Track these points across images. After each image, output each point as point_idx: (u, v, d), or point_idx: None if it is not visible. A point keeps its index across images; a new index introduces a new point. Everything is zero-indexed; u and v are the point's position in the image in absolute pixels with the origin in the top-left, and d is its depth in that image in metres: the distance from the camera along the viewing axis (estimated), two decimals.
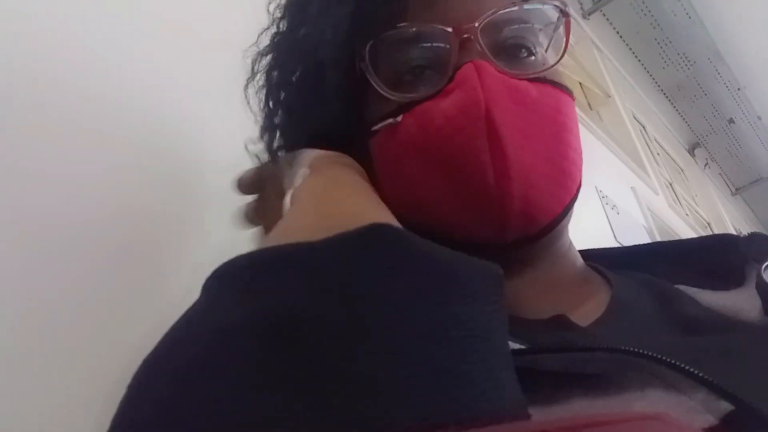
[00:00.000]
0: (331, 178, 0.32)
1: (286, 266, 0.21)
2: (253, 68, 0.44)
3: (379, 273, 0.20)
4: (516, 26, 0.38)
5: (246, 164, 0.47)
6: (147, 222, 0.52)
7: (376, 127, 0.38)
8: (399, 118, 0.37)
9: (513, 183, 0.33)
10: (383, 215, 0.27)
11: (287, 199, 0.33)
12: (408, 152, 0.36)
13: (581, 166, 0.38)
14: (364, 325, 0.18)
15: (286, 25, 0.43)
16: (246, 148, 0.46)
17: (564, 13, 0.39)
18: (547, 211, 0.35)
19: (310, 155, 0.36)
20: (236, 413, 0.15)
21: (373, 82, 0.38)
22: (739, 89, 3.61)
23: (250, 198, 0.46)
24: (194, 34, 0.66)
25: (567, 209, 0.37)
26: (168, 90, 0.60)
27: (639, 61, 3.36)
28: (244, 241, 0.50)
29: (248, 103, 0.45)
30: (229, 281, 0.22)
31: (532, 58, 0.38)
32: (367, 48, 0.37)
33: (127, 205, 0.51)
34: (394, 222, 0.25)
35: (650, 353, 0.24)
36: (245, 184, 0.44)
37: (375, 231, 0.22)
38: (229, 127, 0.61)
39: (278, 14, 0.44)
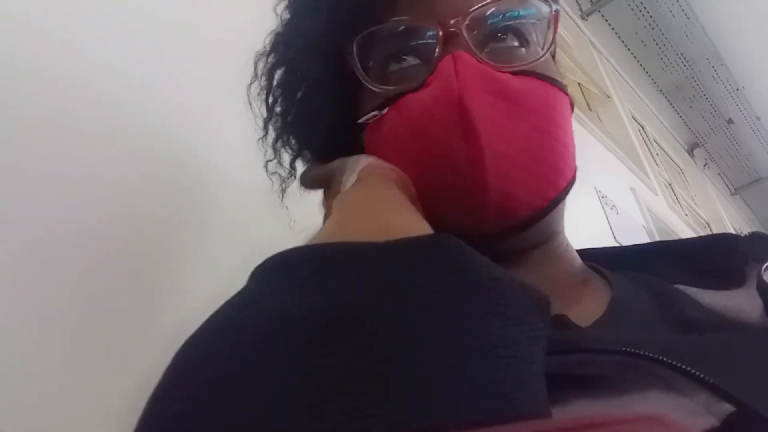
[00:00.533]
0: (373, 190, 0.32)
1: (349, 263, 0.21)
2: (255, 68, 0.45)
3: (438, 283, 0.20)
4: (504, 19, 0.38)
5: (250, 171, 0.47)
6: (150, 227, 0.52)
7: (361, 120, 0.39)
8: (384, 111, 0.37)
9: (488, 173, 0.33)
10: (428, 230, 0.27)
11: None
12: (390, 143, 0.37)
13: (572, 161, 0.38)
14: (418, 331, 0.19)
15: (286, 24, 0.43)
16: (266, 168, 0.46)
17: (552, 7, 0.39)
18: (527, 204, 0.35)
19: (361, 163, 0.36)
20: (281, 406, 0.16)
21: (359, 76, 0.38)
22: (737, 90, 3.62)
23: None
24: (200, 39, 0.66)
25: (553, 204, 0.37)
26: (173, 95, 0.60)
27: (638, 61, 3.36)
28: (248, 246, 0.50)
29: (250, 104, 0.45)
30: (288, 272, 0.22)
31: (523, 50, 0.38)
32: (355, 43, 0.38)
33: (130, 210, 0.51)
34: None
35: (652, 354, 0.24)
36: (310, 179, 0.43)
37: (438, 241, 0.22)
38: (234, 134, 0.61)
39: (286, 15, 0.44)
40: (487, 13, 0.37)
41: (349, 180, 0.35)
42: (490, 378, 0.18)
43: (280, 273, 0.22)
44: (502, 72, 0.35)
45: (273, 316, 0.19)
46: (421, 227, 0.28)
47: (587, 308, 0.36)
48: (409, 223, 0.28)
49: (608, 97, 2.61)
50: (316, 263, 0.22)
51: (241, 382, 0.17)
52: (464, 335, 0.19)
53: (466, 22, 0.36)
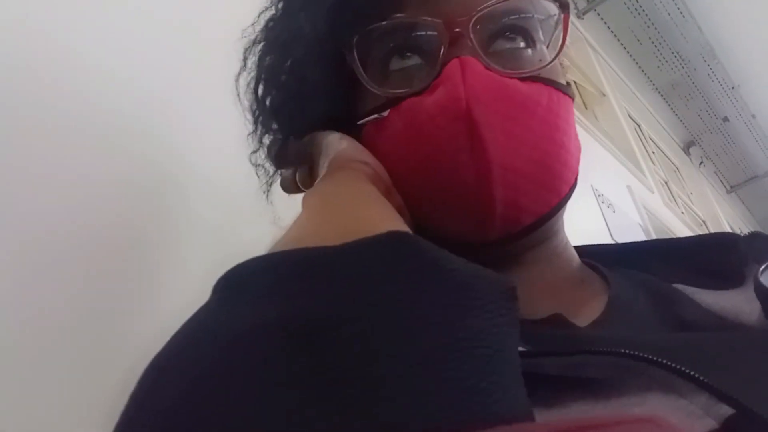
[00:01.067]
0: (341, 187, 0.32)
1: (307, 270, 0.21)
2: (245, 55, 0.43)
3: (397, 281, 0.20)
4: (511, 19, 0.37)
5: (227, 175, 0.46)
6: (134, 229, 0.51)
7: (361, 122, 0.38)
8: (385, 113, 0.36)
9: (494, 184, 0.33)
10: (396, 224, 0.27)
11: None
12: (393, 148, 0.36)
13: (576, 167, 0.38)
14: (383, 332, 0.18)
15: (280, 10, 0.42)
16: (250, 160, 0.45)
17: (563, 7, 0.38)
18: (531, 212, 0.35)
19: (332, 148, 0.35)
20: (259, 413, 0.16)
21: (359, 76, 0.37)
22: (733, 88, 3.63)
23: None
24: (182, 42, 0.65)
25: (555, 210, 0.37)
26: (163, 97, 0.59)
27: (633, 60, 3.37)
28: (229, 247, 0.50)
29: (238, 93, 0.44)
30: (248, 283, 0.21)
31: (529, 51, 0.37)
32: (355, 39, 0.36)
33: (119, 211, 0.50)
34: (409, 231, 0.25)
35: (651, 356, 0.24)
36: (285, 158, 0.42)
37: (394, 238, 0.22)
38: (212, 139, 0.60)
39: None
40: (495, 13, 0.36)
41: (322, 170, 0.34)
42: (459, 373, 0.18)
43: (243, 285, 0.21)
44: (511, 78, 0.35)
45: (239, 330, 0.18)
46: (389, 223, 0.27)
47: (585, 308, 0.36)
48: (375, 219, 0.27)
49: (604, 95, 2.62)
50: (275, 273, 0.21)
51: (216, 394, 0.16)
52: (429, 331, 0.19)
53: (472, 23, 0.35)
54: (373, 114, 0.37)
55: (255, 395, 0.16)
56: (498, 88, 0.34)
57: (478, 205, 0.33)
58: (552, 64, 0.37)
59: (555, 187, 0.36)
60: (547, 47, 0.39)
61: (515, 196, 0.34)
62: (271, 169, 0.45)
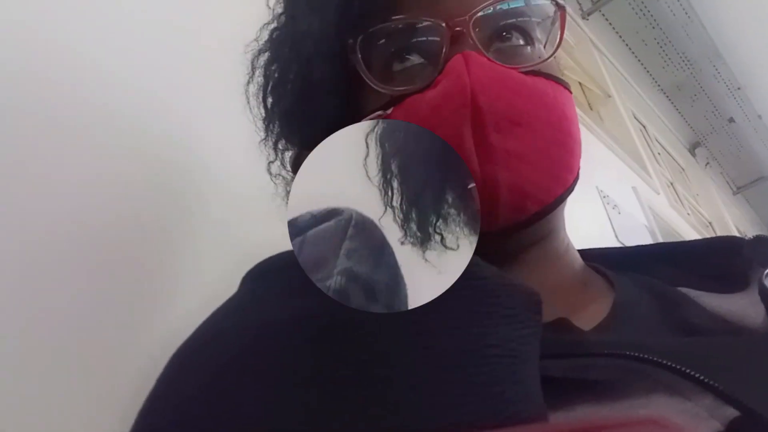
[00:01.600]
0: None
1: None
2: (252, 65, 0.44)
3: None
4: (510, 18, 0.37)
5: (242, 174, 0.46)
6: (143, 230, 0.52)
7: (365, 120, 0.38)
8: (389, 111, 0.37)
9: (499, 171, 0.33)
10: None
11: None
12: None
13: (579, 155, 0.38)
14: (410, 333, 0.19)
15: (283, 19, 0.43)
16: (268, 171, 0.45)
17: (559, 6, 0.39)
18: (537, 200, 0.35)
19: None
20: (269, 411, 0.16)
21: (363, 76, 0.37)
22: (739, 88, 3.61)
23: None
24: (195, 41, 0.66)
25: (560, 199, 0.37)
26: (168, 97, 0.59)
27: (639, 61, 3.36)
28: (240, 249, 0.50)
29: (248, 102, 0.44)
30: (274, 279, 0.22)
31: (528, 49, 0.38)
32: (358, 41, 0.37)
33: (125, 213, 0.51)
34: None
35: (656, 359, 0.24)
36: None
37: None
38: (227, 140, 0.60)
39: (279, 9, 0.43)
40: (493, 12, 0.36)
41: None
42: (485, 378, 0.18)
43: (269, 280, 0.22)
44: (514, 71, 0.35)
45: (264, 322, 0.19)
46: None
47: (589, 311, 0.36)
48: None
49: (609, 96, 2.61)
50: (298, 269, 0.21)
51: (235, 388, 0.17)
52: (457, 335, 0.19)
53: (473, 21, 0.35)
54: (376, 113, 0.37)
55: (267, 393, 0.16)
56: (503, 78, 0.34)
57: (483, 193, 0.33)
58: (550, 60, 0.38)
59: (561, 175, 0.36)
60: (545, 46, 0.39)
61: (521, 182, 0.34)
62: (290, 176, 0.46)
